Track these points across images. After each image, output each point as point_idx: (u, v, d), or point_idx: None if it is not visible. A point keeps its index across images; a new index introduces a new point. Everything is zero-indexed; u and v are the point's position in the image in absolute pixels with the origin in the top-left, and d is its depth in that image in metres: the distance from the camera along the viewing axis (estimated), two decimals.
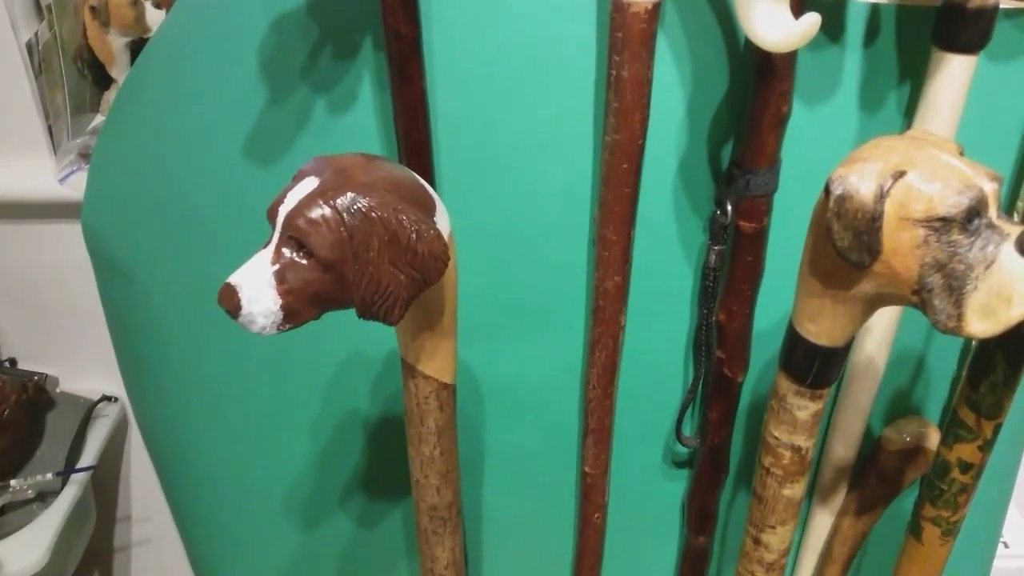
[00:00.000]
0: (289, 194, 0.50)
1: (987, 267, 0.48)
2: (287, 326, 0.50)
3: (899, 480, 0.81)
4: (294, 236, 0.49)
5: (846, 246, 0.50)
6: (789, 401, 0.61)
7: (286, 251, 0.50)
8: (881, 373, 0.77)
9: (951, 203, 0.47)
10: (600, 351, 0.73)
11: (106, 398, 1.23)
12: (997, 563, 0.98)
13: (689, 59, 0.66)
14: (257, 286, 0.49)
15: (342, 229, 0.49)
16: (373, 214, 0.49)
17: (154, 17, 1.08)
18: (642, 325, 0.76)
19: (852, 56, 0.66)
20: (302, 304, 0.50)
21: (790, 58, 0.62)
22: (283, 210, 0.50)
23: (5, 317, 1.22)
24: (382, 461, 0.85)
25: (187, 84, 0.70)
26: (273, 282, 0.49)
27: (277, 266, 0.49)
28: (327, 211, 0.49)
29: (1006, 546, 1.20)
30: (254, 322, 0.49)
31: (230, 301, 0.49)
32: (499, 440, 0.83)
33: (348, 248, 0.49)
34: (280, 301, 0.49)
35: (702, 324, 0.74)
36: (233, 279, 0.49)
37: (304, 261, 0.49)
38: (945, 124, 0.65)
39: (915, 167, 0.48)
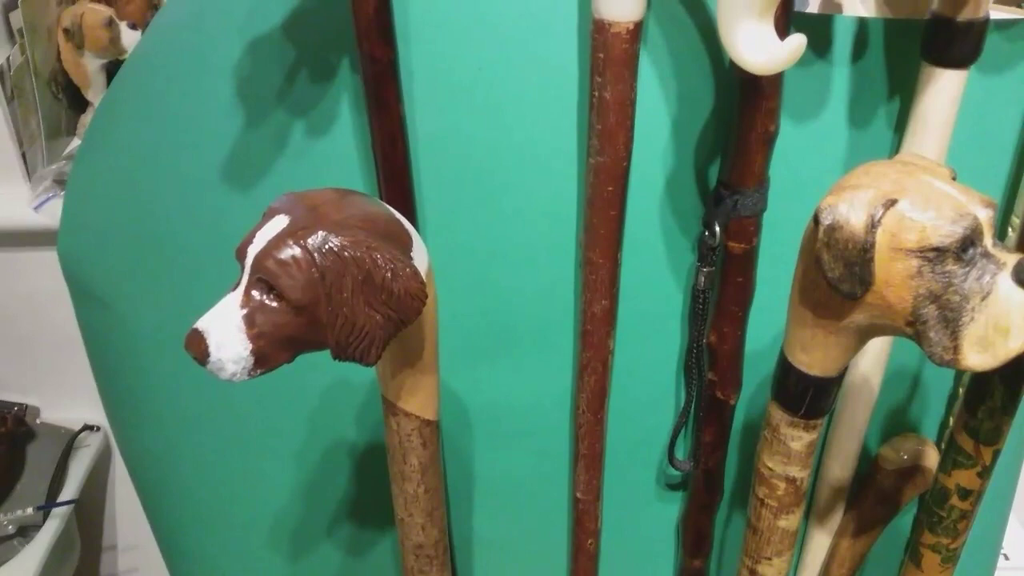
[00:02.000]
0: (258, 233, 0.48)
1: (983, 298, 0.46)
2: (259, 371, 0.49)
3: (897, 499, 0.80)
4: (263, 278, 0.47)
5: (837, 277, 0.48)
6: (782, 432, 0.59)
7: (256, 293, 0.48)
8: (876, 392, 0.76)
9: (945, 232, 0.46)
10: (589, 375, 0.72)
11: (88, 427, 1.22)
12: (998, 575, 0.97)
13: (673, 78, 0.65)
14: (226, 331, 0.47)
15: (313, 270, 0.47)
16: (346, 253, 0.47)
17: (129, 38, 1.07)
18: (632, 348, 0.74)
19: (840, 72, 0.65)
20: (274, 348, 0.48)
21: (777, 76, 0.61)
22: (252, 251, 0.48)
23: None
24: (369, 492, 0.84)
25: (164, 107, 0.69)
26: (243, 326, 0.47)
27: (246, 309, 0.48)
28: (297, 251, 0.47)
29: (1006, 558, 1.19)
30: (223, 369, 0.48)
31: (197, 348, 0.47)
32: (489, 468, 0.82)
33: (320, 289, 0.47)
34: (250, 346, 0.47)
35: (693, 347, 0.73)
36: (200, 324, 0.47)
37: (275, 304, 0.48)
38: (936, 140, 0.63)
39: (907, 195, 0.46)
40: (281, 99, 0.67)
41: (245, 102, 0.67)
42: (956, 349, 0.47)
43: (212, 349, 0.47)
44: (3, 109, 1.00)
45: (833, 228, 0.47)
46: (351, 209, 0.50)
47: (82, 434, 1.21)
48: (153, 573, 1.34)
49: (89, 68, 1.08)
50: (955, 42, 0.60)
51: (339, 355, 0.50)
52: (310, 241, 0.47)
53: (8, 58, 0.99)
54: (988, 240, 0.47)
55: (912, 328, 0.48)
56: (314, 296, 0.48)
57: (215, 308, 0.48)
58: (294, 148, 0.68)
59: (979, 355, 0.47)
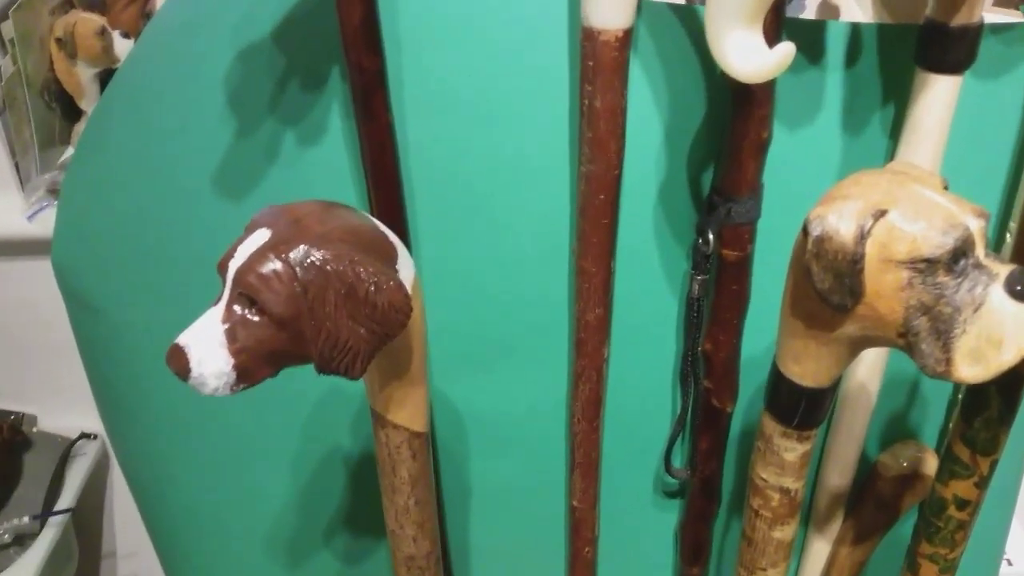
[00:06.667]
0: (240, 247, 0.48)
1: (975, 309, 0.45)
2: (241, 386, 0.48)
3: (896, 507, 0.79)
4: (245, 292, 0.47)
5: (827, 288, 0.47)
6: (776, 442, 0.59)
7: (237, 308, 0.47)
8: (875, 398, 0.75)
9: (936, 243, 0.45)
10: (584, 384, 0.71)
11: (85, 435, 1.22)
12: None
13: (665, 86, 0.64)
14: (207, 346, 0.47)
15: (295, 284, 0.47)
16: (328, 267, 0.47)
17: (122, 48, 1.06)
18: (626, 357, 0.74)
19: (833, 78, 0.64)
20: (256, 363, 0.48)
21: (769, 83, 0.60)
22: (233, 265, 0.47)
23: None
24: (365, 500, 0.84)
25: (156, 116, 0.69)
26: (224, 341, 0.47)
27: (228, 324, 0.47)
28: (279, 265, 0.47)
29: (1009, 563, 1.18)
30: (205, 384, 0.47)
31: (178, 363, 0.46)
32: (484, 476, 0.82)
33: (303, 304, 0.47)
34: (232, 361, 0.47)
35: (688, 354, 0.73)
36: (181, 339, 0.47)
37: (256, 318, 0.47)
38: (931, 147, 0.63)
39: (897, 205, 0.46)
40: (272, 108, 0.67)
41: (236, 111, 0.67)
42: (948, 361, 0.46)
43: (193, 364, 0.47)
44: None
45: (822, 239, 0.47)
46: (334, 222, 0.49)
47: (79, 442, 1.21)
48: None
49: (82, 77, 1.08)
50: (949, 48, 0.59)
51: (323, 369, 0.50)
52: (292, 255, 0.47)
53: None
54: (980, 251, 0.46)
55: (904, 340, 0.48)
56: (296, 310, 0.47)
57: (196, 323, 0.48)
58: (285, 156, 0.68)
59: (971, 367, 0.46)
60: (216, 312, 0.48)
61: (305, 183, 0.69)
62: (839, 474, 0.79)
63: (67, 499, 1.14)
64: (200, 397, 0.78)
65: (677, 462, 0.80)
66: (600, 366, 0.71)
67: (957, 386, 0.79)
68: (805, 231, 0.48)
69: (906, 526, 0.75)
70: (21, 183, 1.04)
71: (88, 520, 1.31)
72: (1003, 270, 0.46)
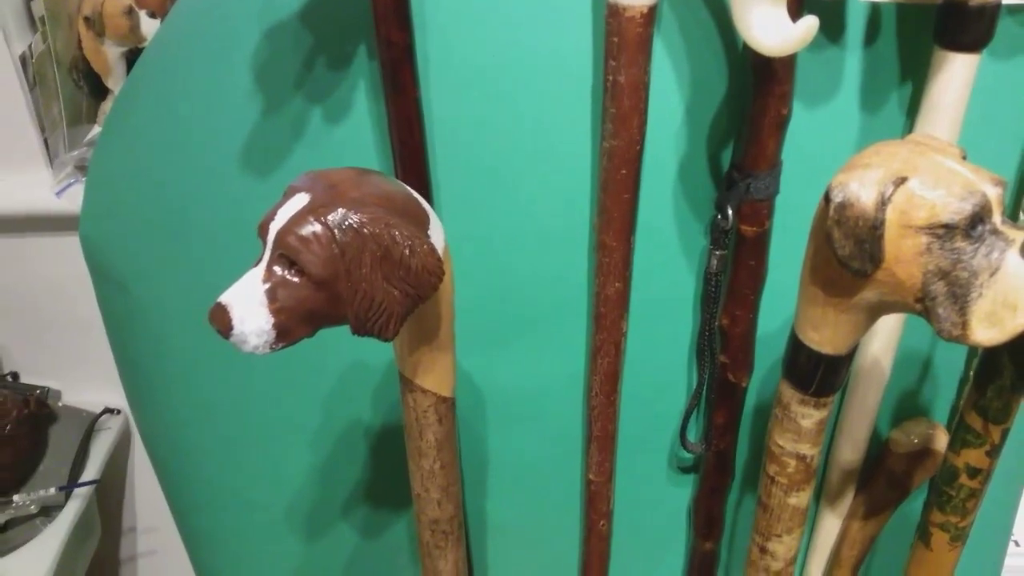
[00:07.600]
0: (279, 211, 0.49)
1: (992, 274, 0.47)
2: (280, 345, 0.50)
3: (907, 483, 0.80)
4: (285, 254, 0.48)
5: (847, 254, 0.49)
6: (793, 409, 0.60)
7: (277, 269, 0.49)
8: (887, 374, 0.76)
9: (954, 209, 0.46)
10: (602, 358, 0.72)
11: (109, 410, 1.23)
12: (1008, 561, 0.97)
13: (687, 62, 0.65)
14: (248, 305, 0.48)
15: (334, 246, 0.48)
16: (365, 230, 0.48)
17: (149, 26, 1.07)
18: (644, 331, 0.75)
19: (853, 56, 0.65)
20: (295, 322, 0.49)
21: (790, 60, 0.61)
22: (273, 227, 0.49)
23: (6, 331, 1.22)
24: (385, 472, 0.85)
25: (183, 94, 0.70)
26: (265, 300, 0.48)
27: (268, 284, 0.49)
28: (318, 228, 0.48)
29: (1017, 544, 1.19)
30: (246, 341, 0.49)
31: (221, 321, 0.48)
32: (502, 449, 0.82)
33: (340, 265, 0.48)
34: (272, 320, 0.49)
35: (705, 329, 0.73)
36: (223, 298, 0.48)
37: (296, 279, 0.49)
38: (948, 124, 0.63)
39: (917, 173, 0.47)
40: (299, 85, 0.67)
41: (263, 88, 0.68)
42: (964, 325, 0.48)
43: (235, 322, 0.48)
44: (25, 96, 1.02)
45: (844, 206, 0.48)
46: (369, 187, 0.50)
47: (103, 417, 1.23)
48: (172, 554, 1.36)
49: (109, 56, 1.09)
50: (967, 26, 0.60)
51: (358, 330, 0.51)
52: (330, 218, 0.48)
53: (30, 46, 1.01)
54: (997, 217, 0.47)
55: (921, 305, 0.49)
56: (334, 271, 0.49)
57: (238, 283, 0.49)
58: (311, 134, 0.69)
59: (987, 330, 0.47)
60: (257, 272, 0.49)
61: (331, 161, 0.69)
62: (851, 450, 0.80)
63: (91, 473, 1.15)
64: (222, 373, 0.80)
65: (692, 436, 0.81)
66: (618, 340, 0.71)
67: (968, 364, 0.80)
68: (827, 198, 0.49)
69: (916, 503, 0.76)
70: (50, 159, 1.06)
71: (110, 495, 1.33)
72: (1019, 236, 0.47)
